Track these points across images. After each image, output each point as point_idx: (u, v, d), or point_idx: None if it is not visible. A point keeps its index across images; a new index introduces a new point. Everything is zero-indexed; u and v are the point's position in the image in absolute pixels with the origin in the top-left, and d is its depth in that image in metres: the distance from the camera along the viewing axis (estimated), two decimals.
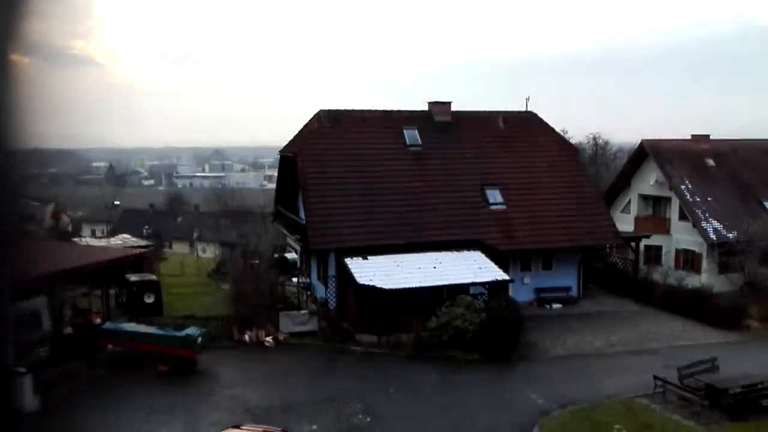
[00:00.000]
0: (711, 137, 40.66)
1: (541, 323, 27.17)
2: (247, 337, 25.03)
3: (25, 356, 20.07)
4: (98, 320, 23.72)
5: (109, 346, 23.08)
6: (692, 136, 40.60)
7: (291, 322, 25.77)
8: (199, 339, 21.69)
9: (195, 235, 65.54)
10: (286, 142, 33.48)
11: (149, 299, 27.59)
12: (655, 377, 19.76)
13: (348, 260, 26.02)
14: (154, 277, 29.69)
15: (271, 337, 25.07)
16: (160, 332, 22.12)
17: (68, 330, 22.42)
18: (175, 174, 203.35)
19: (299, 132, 32.31)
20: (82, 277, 24.15)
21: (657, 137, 39.64)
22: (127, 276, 28.07)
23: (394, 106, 33.26)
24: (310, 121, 31.82)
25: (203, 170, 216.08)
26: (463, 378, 21.67)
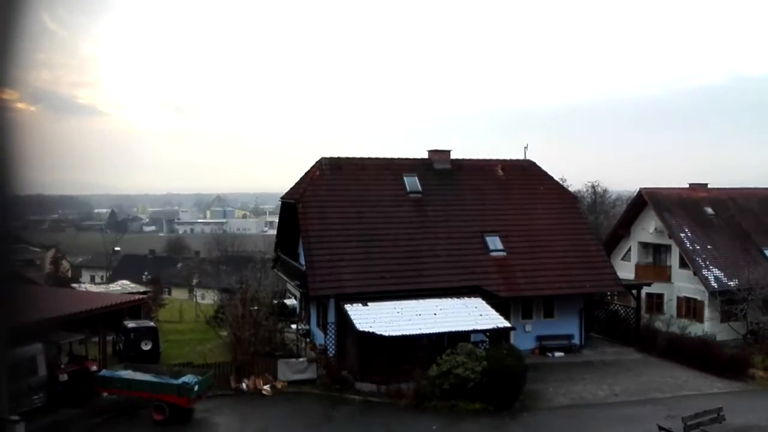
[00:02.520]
0: (709, 186, 40.96)
1: (543, 372, 26.82)
2: (244, 385, 24.68)
3: (19, 403, 19.78)
4: (94, 367, 23.42)
5: (105, 394, 22.74)
6: (690, 184, 40.90)
7: (289, 370, 25.44)
8: (196, 387, 21.38)
9: (194, 281, 65.25)
10: (288, 189, 33.69)
11: (146, 346, 27.31)
12: (660, 428, 19.40)
13: (348, 306, 25.86)
14: (152, 324, 29.46)
15: (269, 386, 24.72)
16: (157, 380, 21.83)
17: (64, 377, 22.12)
18: (176, 220, 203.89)
19: (301, 179, 32.56)
20: (79, 324, 23.95)
21: (655, 185, 39.93)
22: (125, 322, 27.85)
23: (394, 155, 33.56)
24: (311, 168, 32.10)
25: (204, 216, 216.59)
26: (464, 429, 21.27)
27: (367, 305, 26.09)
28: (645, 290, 34.75)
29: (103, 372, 22.93)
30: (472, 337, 25.72)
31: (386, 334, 24.00)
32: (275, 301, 33.02)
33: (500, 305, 27.69)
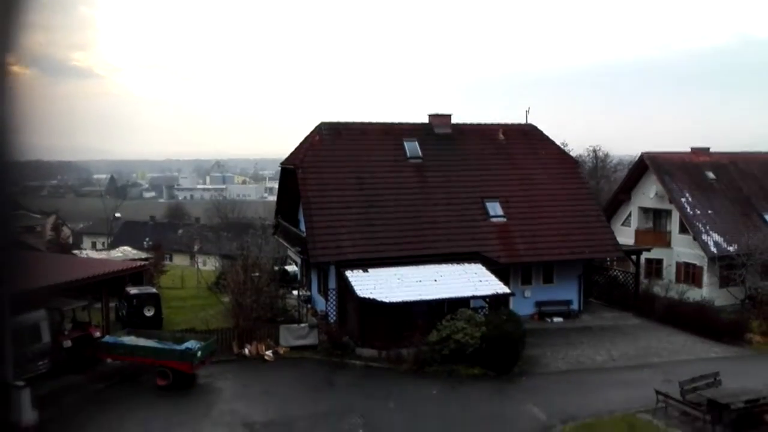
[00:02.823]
0: (711, 150, 40.75)
1: (542, 337, 27.04)
2: (247, 351, 24.91)
3: (23, 370, 19.96)
4: (98, 333, 23.60)
5: (109, 360, 22.96)
6: (692, 149, 40.69)
7: (291, 336, 25.65)
8: (199, 353, 21.56)
9: (195, 247, 65.38)
10: (288, 154, 33.52)
11: (149, 312, 27.49)
12: (657, 392, 19.63)
13: (348, 273, 25.95)
14: (154, 290, 29.61)
15: (271, 351, 24.95)
16: (160, 346, 22.00)
17: (67, 343, 22.31)
18: (176, 186, 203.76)
19: (300, 144, 32.37)
20: (81, 290, 24.06)
21: (657, 150, 39.69)
22: (127, 289, 27.98)
23: (394, 119, 33.29)
24: (311, 133, 31.89)
25: (204, 182, 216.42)
26: (464, 393, 21.52)
27: (367, 271, 26.17)
28: (644, 255, 34.85)
29: (107, 338, 23.11)
30: (472, 303, 25.85)
31: (386, 300, 24.13)
32: (276, 268, 33.18)
33: (500, 271, 27.78)
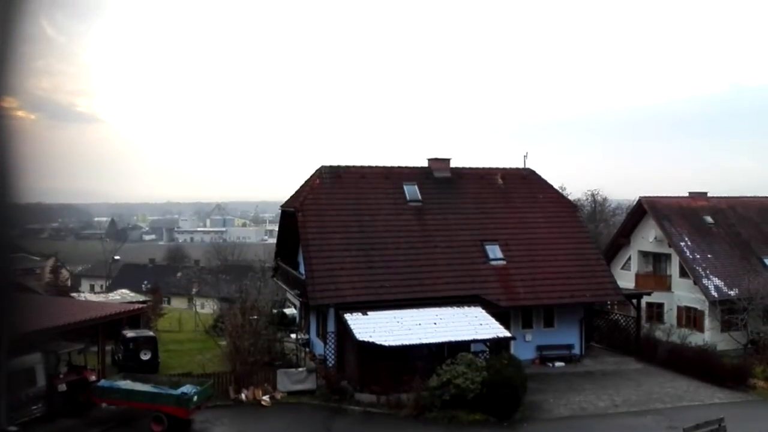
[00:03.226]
0: (708, 195, 40.96)
1: (544, 382, 26.71)
2: (243, 396, 24.56)
3: (18, 413, 19.68)
4: (93, 377, 23.31)
5: (104, 404, 22.63)
6: (689, 193, 40.90)
7: (289, 380, 25.33)
8: (195, 397, 21.27)
9: (194, 290, 65.09)
10: (288, 198, 33.69)
11: (146, 356, 27.22)
12: None
13: (347, 315, 25.79)
14: (151, 333, 29.38)
15: (268, 396, 24.61)
16: (155, 390, 21.72)
17: (62, 387, 22.01)
18: (176, 229, 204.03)
19: (301, 187, 32.57)
20: (78, 333, 23.89)
21: (655, 194, 39.88)
22: (124, 332, 27.78)
23: (394, 163, 33.58)
24: (311, 176, 32.12)
25: (204, 225, 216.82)
26: None
27: (366, 314, 26.01)
28: (645, 299, 34.67)
29: (102, 382, 22.82)
30: (473, 347, 25.63)
31: (386, 343, 23.91)
32: (275, 311, 32.95)
33: (500, 315, 27.62)
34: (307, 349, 29.79)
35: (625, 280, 37.30)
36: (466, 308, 27.41)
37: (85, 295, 43.31)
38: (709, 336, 33.44)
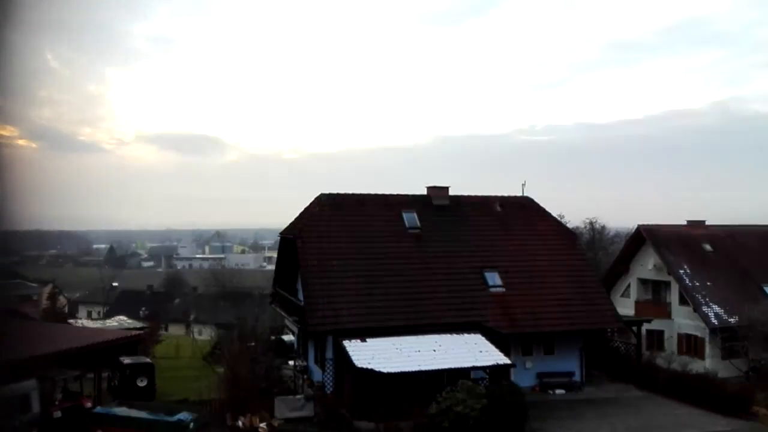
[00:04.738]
0: (706, 223, 41.07)
1: (544, 410, 26.47)
2: (240, 423, 24.30)
3: None
4: (89, 404, 23.14)
5: (99, 431, 22.43)
6: (688, 221, 41.01)
7: (286, 407, 25.11)
8: (191, 425, 21.09)
9: (191, 316, 64.82)
10: (287, 225, 33.75)
11: (142, 383, 27.02)
12: None
13: (346, 343, 25.66)
14: (147, 360, 29.20)
15: (265, 423, 24.35)
16: (152, 417, 21.51)
17: (58, 414, 21.82)
18: (175, 255, 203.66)
19: (300, 215, 32.64)
20: (74, 360, 23.75)
21: (652, 222, 39.97)
22: (121, 359, 27.61)
23: (393, 191, 33.70)
24: (310, 204, 32.22)
25: (203, 252, 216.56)
26: None
27: (365, 341, 25.89)
28: (645, 327, 34.55)
29: (98, 409, 22.65)
30: (472, 374, 25.47)
31: (385, 370, 23.77)
32: (273, 337, 32.82)
33: (500, 342, 27.48)
34: (305, 376, 29.58)
35: (625, 308, 37.20)
36: (465, 335, 27.29)
37: (83, 322, 43.19)
38: (709, 363, 33.25)
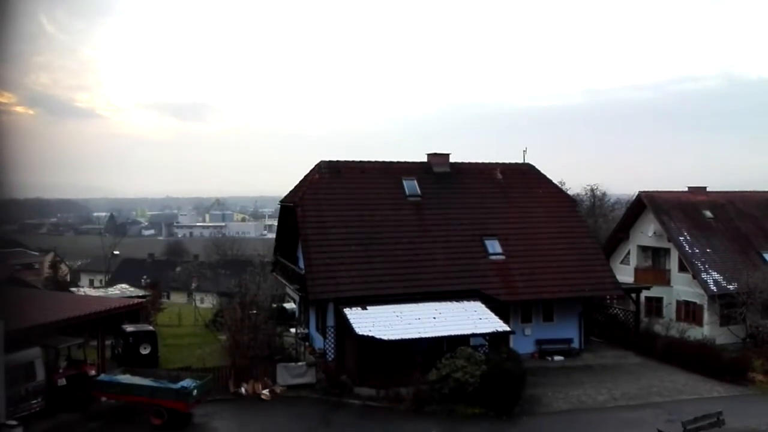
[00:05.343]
0: (707, 189, 40.95)
1: (543, 376, 26.77)
2: (243, 390, 24.62)
3: (17, 408, 19.73)
4: (93, 372, 23.35)
5: (104, 398, 22.68)
6: (689, 188, 40.88)
7: (288, 375, 25.39)
8: (195, 391, 21.32)
9: (193, 285, 65.11)
10: (287, 192, 33.67)
11: (145, 350, 27.24)
12: None
13: (347, 310, 25.83)
14: (150, 328, 29.39)
15: (267, 390, 24.66)
16: (155, 384, 21.75)
17: (62, 381, 22.04)
18: (175, 224, 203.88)
19: (300, 182, 32.53)
20: (77, 328, 23.90)
21: (653, 189, 39.83)
22: (124, 326, 27.79)
23: (393, 158, 33.53)
24: (310, 171, 32.08)
25: (204, 220, 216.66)
26: None
27: (366, 309, 26.05)
28: (644, 294, 34.72)
29: (102, 376, 22.87)
30: (472, 341, 25.67)
31: (385, 338, 23.96)
32: (274, 305, 32.98)
33: (499, 309, 27.66)
34: (307, 344, 29.84)
35: (625, 275, 37.32)
36: (465, 303, 27.45)
37: (85, 290, 43.33)
38: (708, 330, 33.48)
